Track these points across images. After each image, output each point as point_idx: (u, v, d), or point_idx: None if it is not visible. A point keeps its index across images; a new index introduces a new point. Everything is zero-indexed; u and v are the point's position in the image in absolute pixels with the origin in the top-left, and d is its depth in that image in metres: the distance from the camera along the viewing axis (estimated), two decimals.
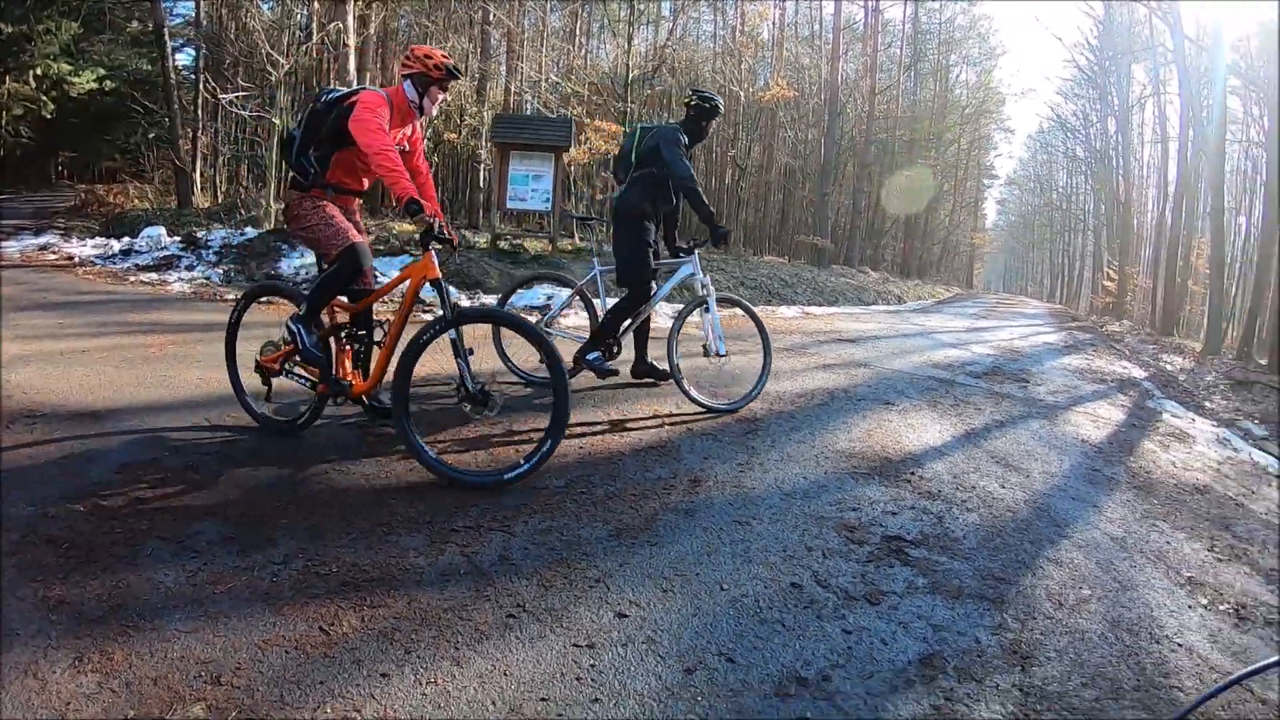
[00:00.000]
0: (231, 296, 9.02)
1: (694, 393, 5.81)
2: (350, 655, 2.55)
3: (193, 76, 20.34)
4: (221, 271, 10.95)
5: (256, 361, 4.61)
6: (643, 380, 6.45)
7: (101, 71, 19.94)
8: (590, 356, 5.92)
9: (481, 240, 14.94)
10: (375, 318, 4.67)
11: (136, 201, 17.98)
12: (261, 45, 15.83)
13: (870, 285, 24.50)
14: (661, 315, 9.26)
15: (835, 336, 11.33)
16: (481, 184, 22.64)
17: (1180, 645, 3.33)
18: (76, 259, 11.55)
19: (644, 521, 3.82)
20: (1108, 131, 40.20)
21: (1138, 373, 12.30)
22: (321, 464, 4.16)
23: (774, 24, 34.05)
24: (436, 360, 4.50)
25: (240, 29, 18.54)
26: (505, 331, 6.05)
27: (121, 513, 3.38)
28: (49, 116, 19.97)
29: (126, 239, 12.59)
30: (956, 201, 51.30)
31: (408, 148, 4.63)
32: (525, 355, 5.89)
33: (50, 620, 2.58)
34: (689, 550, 3.56)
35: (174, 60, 19.17)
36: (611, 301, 6.18)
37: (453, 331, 4.06)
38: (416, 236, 4.56)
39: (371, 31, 21.20)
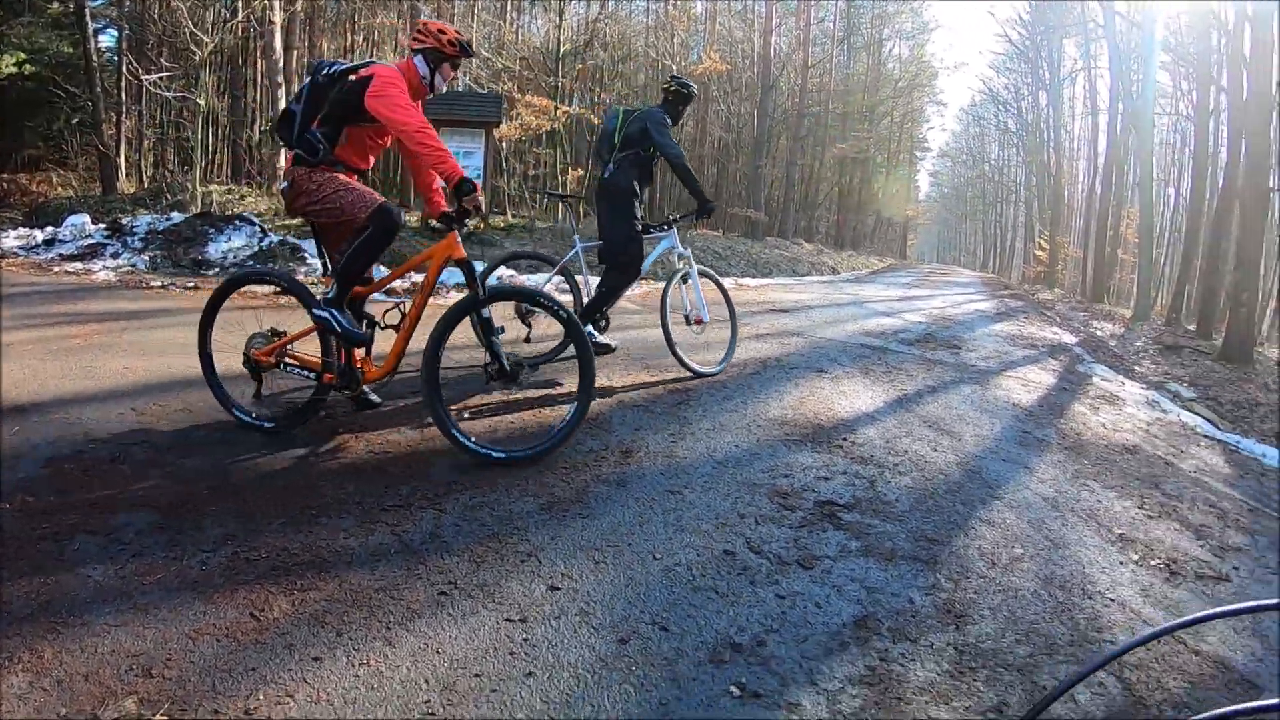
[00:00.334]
0: (158, 284, 8.76)
1: (687, 359, 6.08)
2: (282, 640, 2.49)
3: (116, 59, 19.66)
4: (147, 258, 10.59)
5: (247, 356, 4.35)
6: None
7: (22, 55, 19.08)
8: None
9: (413, 219, 14.70)
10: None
11: (60, 189, 17.35)
12: (185, 24, 15.31)
13: (804, 257, 24.71)
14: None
15: (769, 307, 11.38)
16: None
17: (1113, 600, 3.40)
18: None
19: (576, 494, 3.76)
20: (1039, 105, 41.25)
21: (1068, 338, 12.61)
22: (251, 450, 4.01)
23: None
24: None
25: (164, 8, 17.95)
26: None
27: (49, 509, 3.22)
28: None
29: (50, 228, 12.09)
30: (890, 173, 51.92)
31: None
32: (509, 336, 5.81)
33: None
34: (621, 521, 3.52)
35: (96, 42, 18.42)
36: (594, 279, 6.37)
37: (485, 310, 4.12)
38: (434, 221, 4.54)
39: (298, 8, 20.63)
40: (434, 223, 4.54)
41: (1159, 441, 6.47)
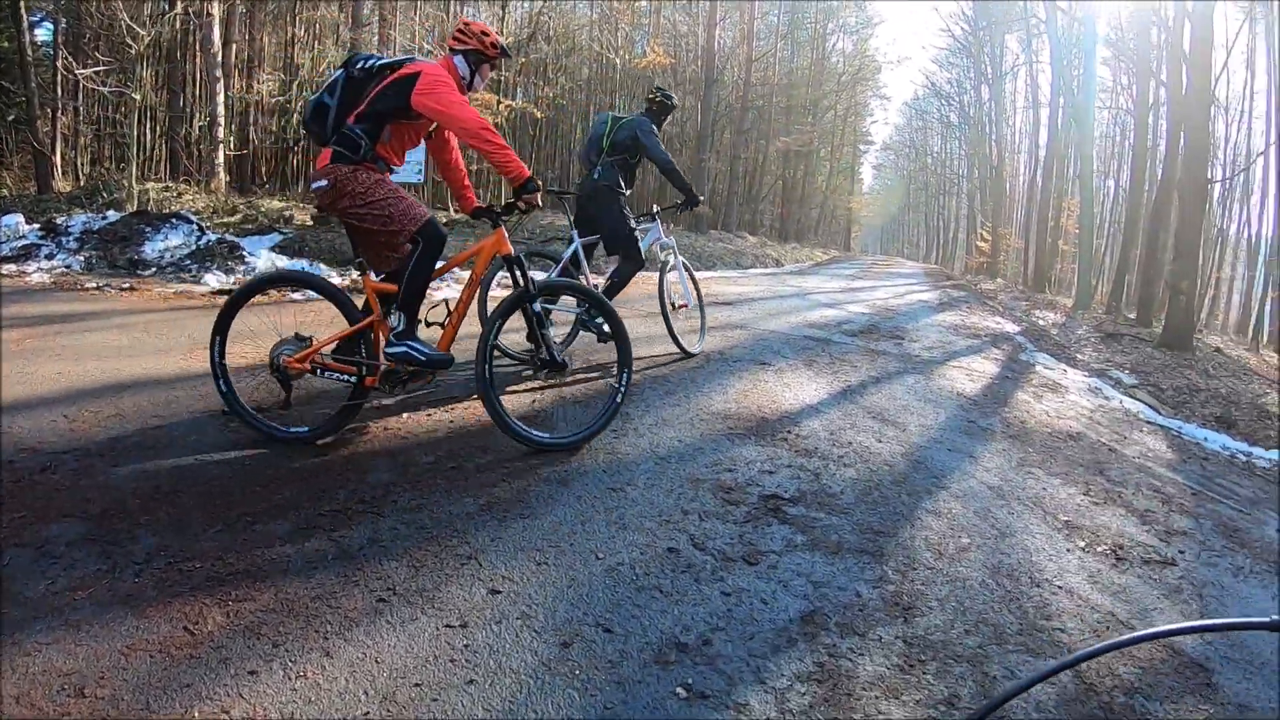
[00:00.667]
0: (93, 285, 8.46)
1: (682, 341, 6.72)
2: (217, 654, 2.41)
3: (52, 53, 19.02)
4: (82, 259, 10.24)
5: (275, 365, 4.16)
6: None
7: None
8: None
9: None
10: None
11: None
12: (120, 16, 14.87)
13: (748, 250, 24.77)
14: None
15: (712, 300, 11.33)
16: None
17: (1060, 588, 3.42)
18: None
19: (516, 494, 3.68)
20: (981, 99, 42.15)
21: (1011, 328, 12.79)
22: (184, 455, 3.87)
23: None
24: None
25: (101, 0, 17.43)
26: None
27: None
28: None
29: None
30: (834, 167, 52.46)
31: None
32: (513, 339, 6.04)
33: None
34: (563, 520, 3.45)
35: (32, 35, 17.87)
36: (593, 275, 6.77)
37: (537, 304, 4.31)
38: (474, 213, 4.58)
39: (237, 1, 20.28)
40: (469, 216, 4.66)
41: (1102, 428, 6.57)
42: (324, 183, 4.02)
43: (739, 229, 33.05)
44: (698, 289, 7.28)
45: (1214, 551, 4.29)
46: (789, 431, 4.97)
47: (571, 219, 6.72)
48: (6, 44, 17.25)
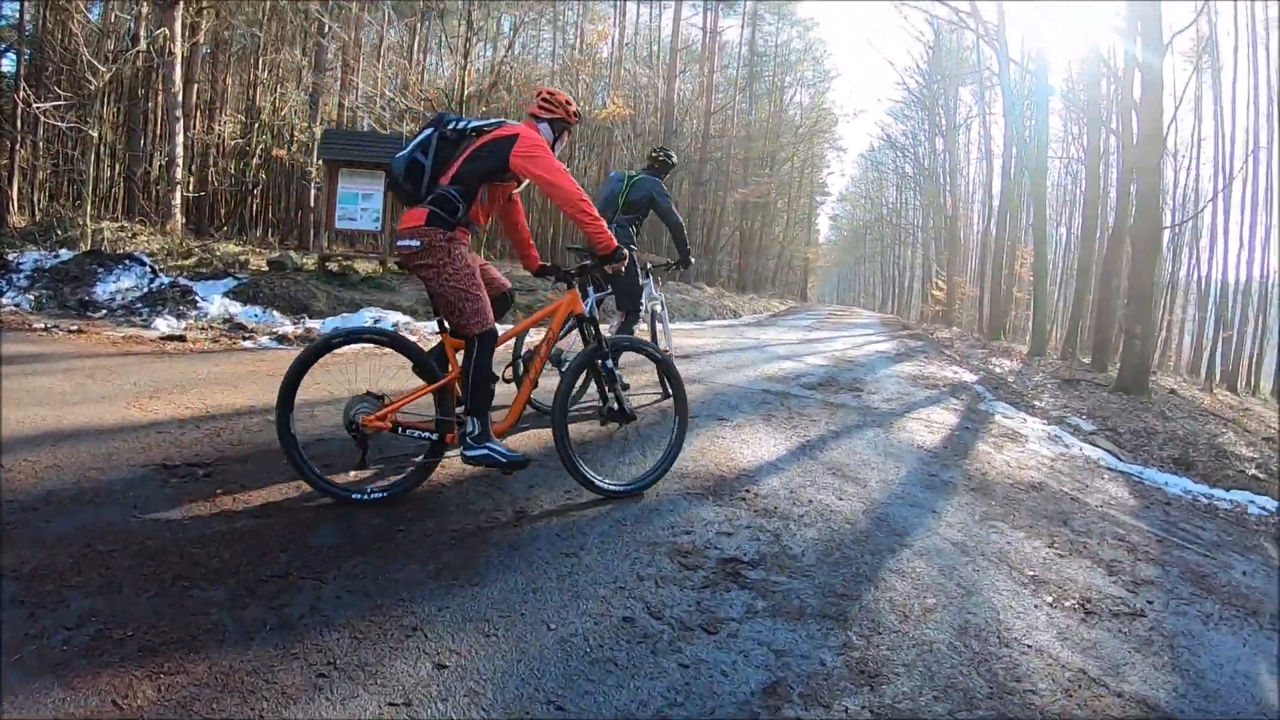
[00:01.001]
0: (41, 326, 8.31)
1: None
2: None
3: (13, 85, 18.84)
4: (33, 297, 10.06)
5: (353, 424, 4.08)
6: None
7: None
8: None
9: (309, 262, 14.32)
10: None
11: None
12: (82, 51, 14.73)
13: (705, 300, 24.85)
14: None
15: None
16: (313, 203, 21.87)
17: (1030, 647, 3.34)
18: None
19: (466, 559, 3.54)
20: (936, 150, 43.14)
21: (969, 377, 12.85)
22: (122, 512, 3.71)
23: (613, 44, 34.67)
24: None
25: (65, 33, 17.33)
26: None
27: None
28: None
29: None
30: (791, 218, 53.16)
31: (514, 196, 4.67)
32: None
33: None
34: (513, 588, 3.31)
35: None
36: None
37: (610, 361, 4.55)
38: (550, 276, 4.85)
39: (201, 40, 20.44)
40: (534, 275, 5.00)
41: (1064, 477, 6.56)
42: (416, 243, 4.04)
43: (696, 280, 33.22)
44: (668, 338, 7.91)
45: (1182, 599, 4.25)
46: (748, 490, 4.88)
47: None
48: None
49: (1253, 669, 3.60)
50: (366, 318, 10.17)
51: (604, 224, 4.28)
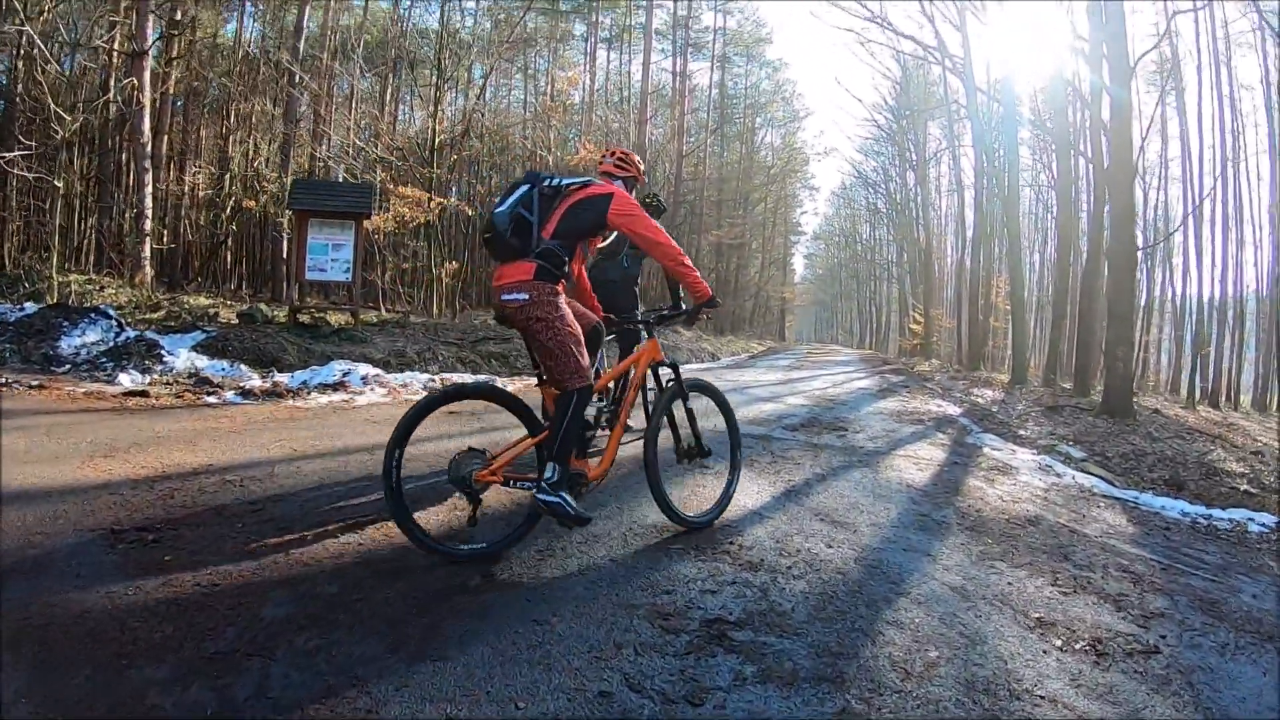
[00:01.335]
0: (1, 381, 8.03)
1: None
2: None
3: None
4: None
5: (465, 479, 4.05)
6: None
7: None
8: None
9: (281, 314, 14.06)
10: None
11: None
12: (47, 100, 14.54)
13: (683, 344, 24.67)
14: None
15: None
16: (286, 254, 21.74)
17: (1043, 697, 3.11)
18: None
19: (427, 630, 3.26)
20: (907, 184, 43.53)
21: (953, 409, 12.67)
22: (63, 581, 3.45)
23: (584, 90, 34.99)
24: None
25: (32, 82, 17.20)
26: None
27: None
28: None
29: None
30: (766, 258, 53.39)
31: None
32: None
33: None
34: (480, 661, 3.04)
35: None
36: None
37: (689, 402, 4.99)
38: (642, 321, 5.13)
39: (171, 90, 20.51)
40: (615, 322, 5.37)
41: (1060, 508, 6.34)
42: (524, 296, 4.10)
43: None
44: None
45: (1195, 630, 4.02)
46: (731, 542, 4.62)
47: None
48: None
49: (1278, 700, 3.37)
50: (336, 370, 9.89)
51: (699, 274, 4.53)
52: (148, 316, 12.85)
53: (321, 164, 23.40)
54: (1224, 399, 28.54)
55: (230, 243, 24.03)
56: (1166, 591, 4.57)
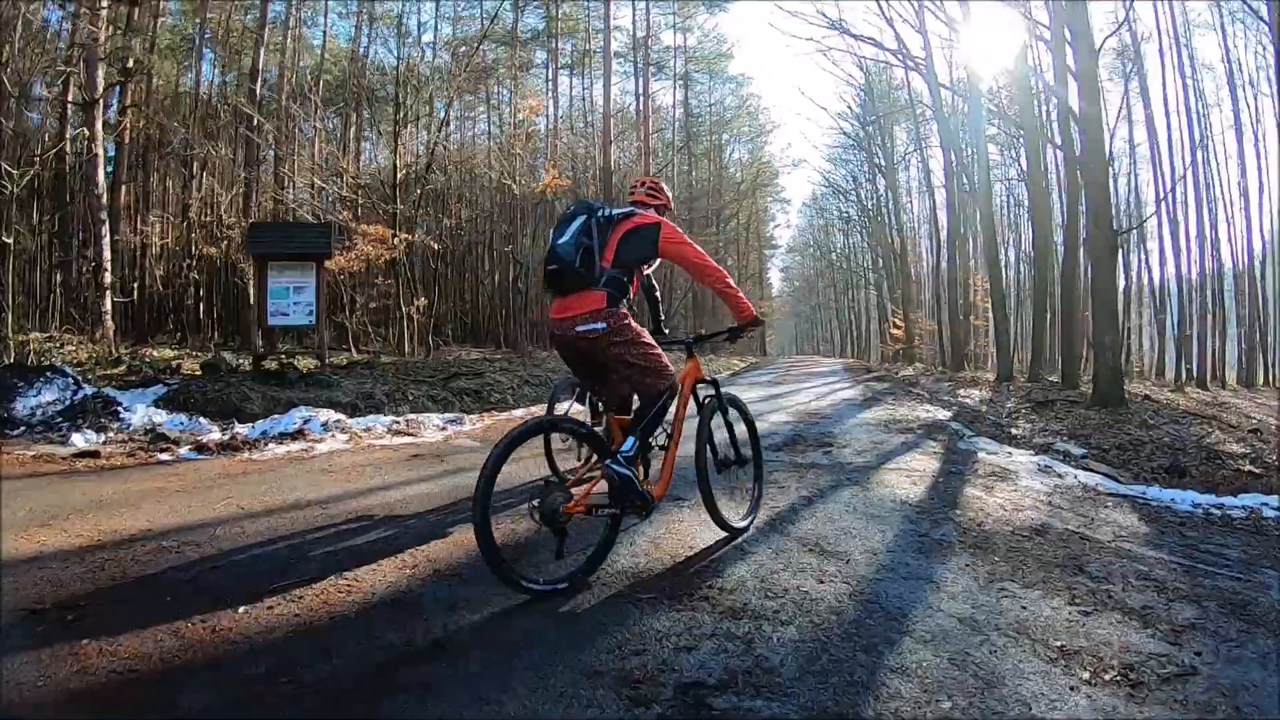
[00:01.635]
0: None
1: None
2: None
3: None
4: None
5: (554, 513, 4.00)
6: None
7: None
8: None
9: (246, 362, 13.60)
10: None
11: None
12: None
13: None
14: None
15: None
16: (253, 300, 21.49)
17: None
18: None
19: (364, 712, 2.80)
20: (878, 189, 43.86)
21: (942, 414, 12.25)
22: None
23: (548, 117, 35.03)
24: None
25: None
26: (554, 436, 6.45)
27: None
28: None
29: None
30: (741, 274, 53.21)
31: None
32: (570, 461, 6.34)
33: None
34: None
35: None
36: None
37: (729, 416, 5.22)
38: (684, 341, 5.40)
39: (126, 139, 20.32)
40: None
41: (1066, 513, 5.90)
42: (602, 325, 4.24)
43: None
44: None
45: (1231, 641, 3.57)
46: (711, 585, 4.13)
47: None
48: None
49: None
50: (296, 419, 9.42)
51: (743, 295, 4.82)
52: (108, 372, 12.40)
53: (285, 207, 23.07)
54: (1210, 378, 28.44)
55: (199, 291, 23.65)
56: (1193, 598, 4.12)
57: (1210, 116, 30.72)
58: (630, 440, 4.28)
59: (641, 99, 37.72)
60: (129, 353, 14.53)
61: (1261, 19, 23.77)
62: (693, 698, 2.94)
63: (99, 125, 15.56)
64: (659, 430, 4.52)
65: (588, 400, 6.97)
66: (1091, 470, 7.52)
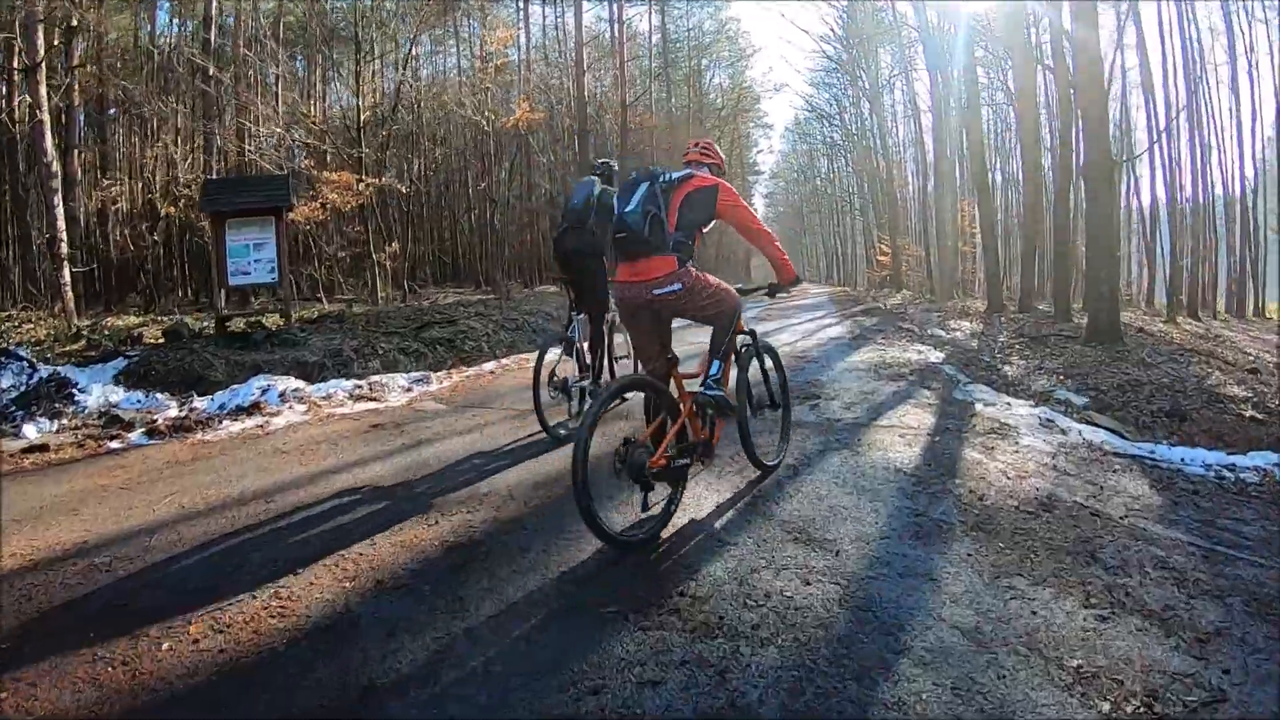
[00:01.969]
0: None
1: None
2: None
3: None
4: None
5: (640, 467, 4.14)
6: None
7: None
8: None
9: (210, 325, 13.00)
10: None
11: None
12: None
13: None
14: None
15: None
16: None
17: None
18: None
19: None
20: (862, 114, 43.19)
21: (935, 356, 11.80)
22: None
23: (520, 48, 33.92)
24: None
25: None
26: (544, 391, 6.79)
27: None
28: None
29: None
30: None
31: None
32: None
33: None
34: None
35: None
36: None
37: (759, 359, 5.58)
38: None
39: (76, 103, 19.46)
40: None
41: (1073, 479, 5.45)
42: (678, 286, 4.50)
43: None
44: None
45: (1260, 653, 3.15)
46: (681, 591, 3.67)
47: (573, 298, 7.35)
48: None
49: None
50: (254, 389, 8.84)
51: (787, 255, 5.16)
52: (67, 349, 11.71)
53: (246, 160, 22.25)
54: (1201, 307, 28.26)
55: (164, 254, 22.89)
56: (1215, 593, 3.69)
57: (1204, 44, 30.20)
58: (715, 363, 4.74)
59: (616, 25, 36.72)
60: (91, 324, 13.91)
61: None
62: None
63: (43, 90, 14.69)
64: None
65: (574, 352, 7.13)
66: (1095, 424, 7.10)
